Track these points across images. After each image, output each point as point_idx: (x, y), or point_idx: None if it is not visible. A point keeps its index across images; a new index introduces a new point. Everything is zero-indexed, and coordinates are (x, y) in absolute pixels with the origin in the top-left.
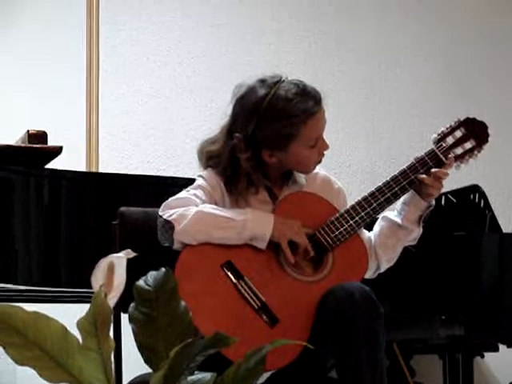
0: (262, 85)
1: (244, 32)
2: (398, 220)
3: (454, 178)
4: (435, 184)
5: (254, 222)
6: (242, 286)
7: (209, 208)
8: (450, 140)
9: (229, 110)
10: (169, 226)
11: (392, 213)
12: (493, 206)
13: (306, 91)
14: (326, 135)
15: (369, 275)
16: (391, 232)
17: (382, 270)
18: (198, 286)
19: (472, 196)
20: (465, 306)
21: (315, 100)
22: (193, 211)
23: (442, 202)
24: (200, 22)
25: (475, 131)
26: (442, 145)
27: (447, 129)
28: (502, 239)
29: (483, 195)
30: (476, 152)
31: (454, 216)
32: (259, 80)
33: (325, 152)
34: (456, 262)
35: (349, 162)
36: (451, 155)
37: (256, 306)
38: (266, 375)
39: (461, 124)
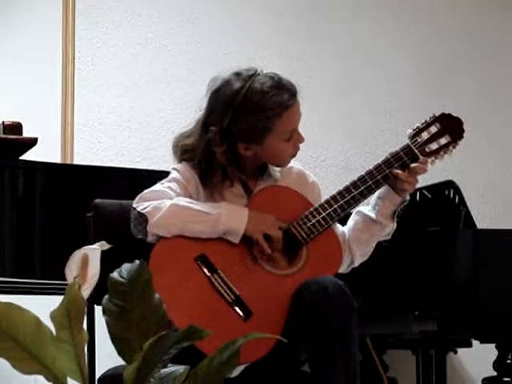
0: (237, 78)
1: (221, 25)
2: (372, 215)
3: (429, 174)
4: (410, 179)
5: (229, 217)
6: (216, 280)
7: (183, 201)
8: (425, 135)
9: (204, 104)
10: (142, 218)
11: (366, 207)
12: (467, 202)
13: (281, 84)
14: (301, 129)
15: (343, 269)
16: (365, 227)
17: (356, 264)
18: (171, 279)
19: (447, 192)
20: (438, 302)
21: (290, 93)
22: (167, 204)
23: (417, 198)
24: (177, 15)
25: (450, 127)
26: (417, 140)
27: (422, 124)
28: (477, 235)
29: (458, 191)
30: (451, 148)
31: (428, 211)
32: (234, 73)
33: (300, 145)
34: (430, 258)
35: (324, 156)
36: (427, 151)
37: (230, 300)
38: (239, 369)
39: (436, 119)
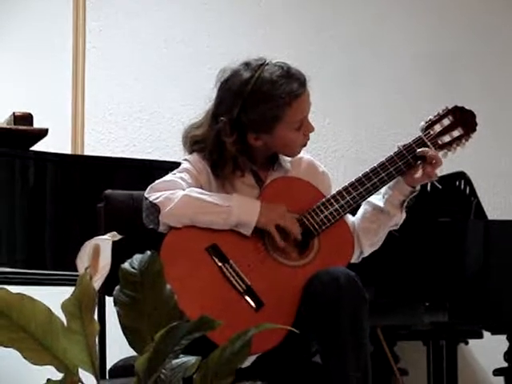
0: (246, 68)
1: (230, 17)
2: (381, 204)
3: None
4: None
5: (240, 209)
6: (227, 270)
7: (195, 192)
8: (437, 128)
9: (213, 95)
10: (155, 208)
11: (376, 197)
12: (478, 193)
13: (290, 73)
14: (310, 120)
15: (353, 259)
16: (374, 216)
17: (366, 254)
18: (183, 269)
19: (457, 182)
20: (449, 293)
21: (300, 82)
22: (179, 195)
23: (428, 188)
24: (186, 6)
25: (463, 120)
26: (429, 132)
27: (435, 117)
28: (487, 226)
29: (469, 182)
30: (464, 140)
31: (439, 202)
32: (243, 63)
33: (310, 136)
34: (441, 249)
35: (334, 148)
36: (439, 143)
37: (241, 290)
38: (251, 359)
39: (449, 112)
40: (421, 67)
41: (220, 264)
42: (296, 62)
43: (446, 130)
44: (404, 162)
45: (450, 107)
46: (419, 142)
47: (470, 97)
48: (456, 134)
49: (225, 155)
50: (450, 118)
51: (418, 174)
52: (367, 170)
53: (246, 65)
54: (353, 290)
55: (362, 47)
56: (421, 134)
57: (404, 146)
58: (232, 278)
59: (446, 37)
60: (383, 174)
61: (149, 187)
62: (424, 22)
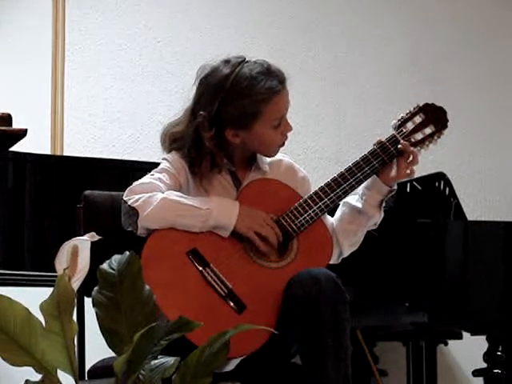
0: (226, 64)
1: (210, 16)
2: (359, 205)
3: (419, 166)
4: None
5: (219, 212)
6: (209, 274)
7: (174, 195)
8: (409, 125)
9: (192, 94)
10: (133, 212)
11: (353, 197)
12: (457, 194)
13: (270, 70)
14: (291, 120)
15: (333, 260)
16: (352, 217)
17: (345, 254)
18: (164, 274)
19: (437, 183)
20: (429, 294)
21: (279, 79)
22: (158, 198)
23: (407, 189)
24: (166, 6)
25: (434, 117)
26: (402, 130)
27: (407, 114)
28: (467, 227)
29: (448, 183)
30: (436, 137)
31: (418, 203)
32: (223, 60)
33: (291, 137)
34: (420, 250)
35: (314, 148)
36: (412, 141)
37: (223, 293)
38: (235, 362)
39: (420, 109)
40: (405, 68)
41: (201, 268)
42: (279, 60)
43: (418, 128)
44: (379, 160)
45: (420, 104)
46: (392, 141)
47: (454, 97)
48: (428, 131)
49: (202, 151)
50: (422, 115)
51: (393, 172)
52: (342, 170)
53: (226, 62)
54: (333, 291)
55: (345, 47)
56: (394, 132)
57: (377, 144)
58: (213, 282)
59: (430, 37)
60: (359, 174)
61: (127, 189)
62: (409, 22)
